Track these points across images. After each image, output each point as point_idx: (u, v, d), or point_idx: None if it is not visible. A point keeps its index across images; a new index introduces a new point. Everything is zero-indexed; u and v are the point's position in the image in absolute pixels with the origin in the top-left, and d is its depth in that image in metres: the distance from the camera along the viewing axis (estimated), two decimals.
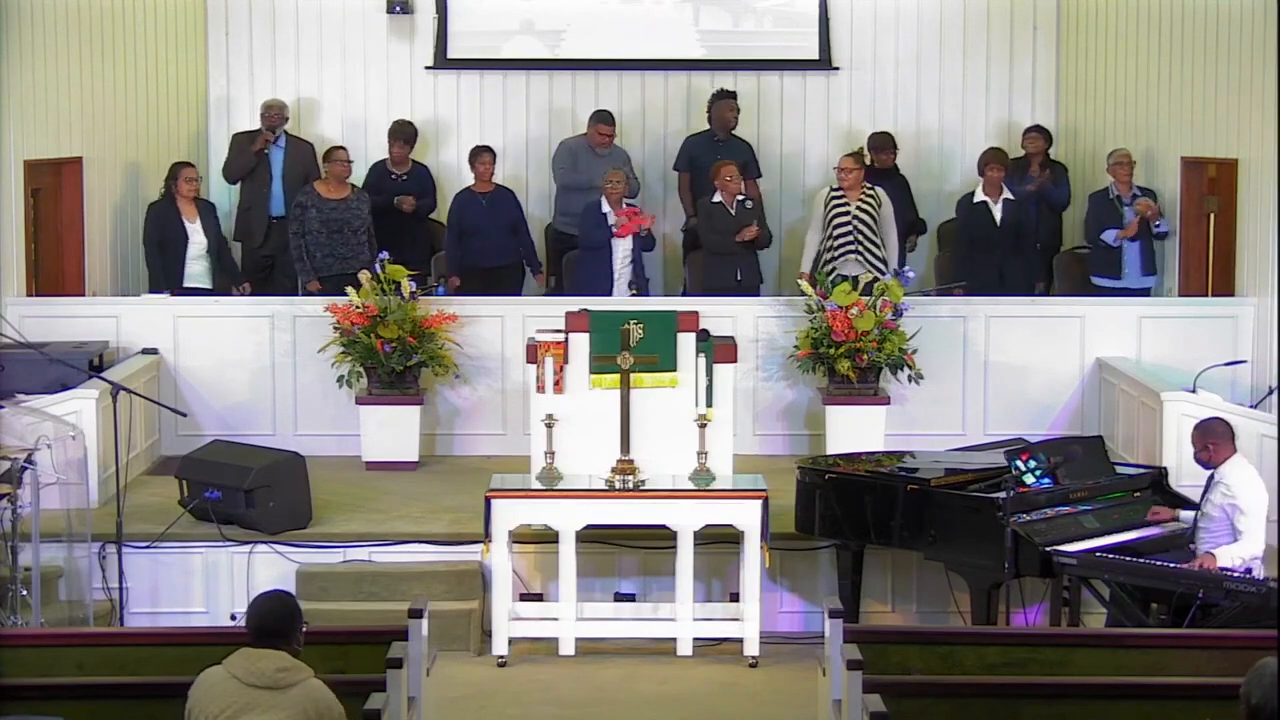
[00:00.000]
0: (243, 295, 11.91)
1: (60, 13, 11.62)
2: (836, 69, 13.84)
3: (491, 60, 13.83)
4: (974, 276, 11.88)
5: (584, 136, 12.94)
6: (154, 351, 11.15)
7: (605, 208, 11.78)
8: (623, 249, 11.75)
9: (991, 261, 11.97)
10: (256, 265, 12.61)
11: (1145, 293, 11.87)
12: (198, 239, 11.76)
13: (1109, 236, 11.85)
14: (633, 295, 11.71)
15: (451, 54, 13.80)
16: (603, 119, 12.89)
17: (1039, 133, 13.02)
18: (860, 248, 11.65)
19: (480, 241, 12.23)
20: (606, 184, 11.84)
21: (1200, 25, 11.56)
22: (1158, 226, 11.83)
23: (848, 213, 11.69)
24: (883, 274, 11.28)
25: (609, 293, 11.55)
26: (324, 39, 13.82)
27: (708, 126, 13.08)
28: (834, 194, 11.79)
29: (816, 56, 13.80)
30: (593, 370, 9.33)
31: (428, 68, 13.82)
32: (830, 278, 11.31)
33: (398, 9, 13.66)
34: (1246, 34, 10.81)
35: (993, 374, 11.25)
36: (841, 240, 11.67)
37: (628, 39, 13.76)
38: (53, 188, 11.68)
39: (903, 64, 13.86)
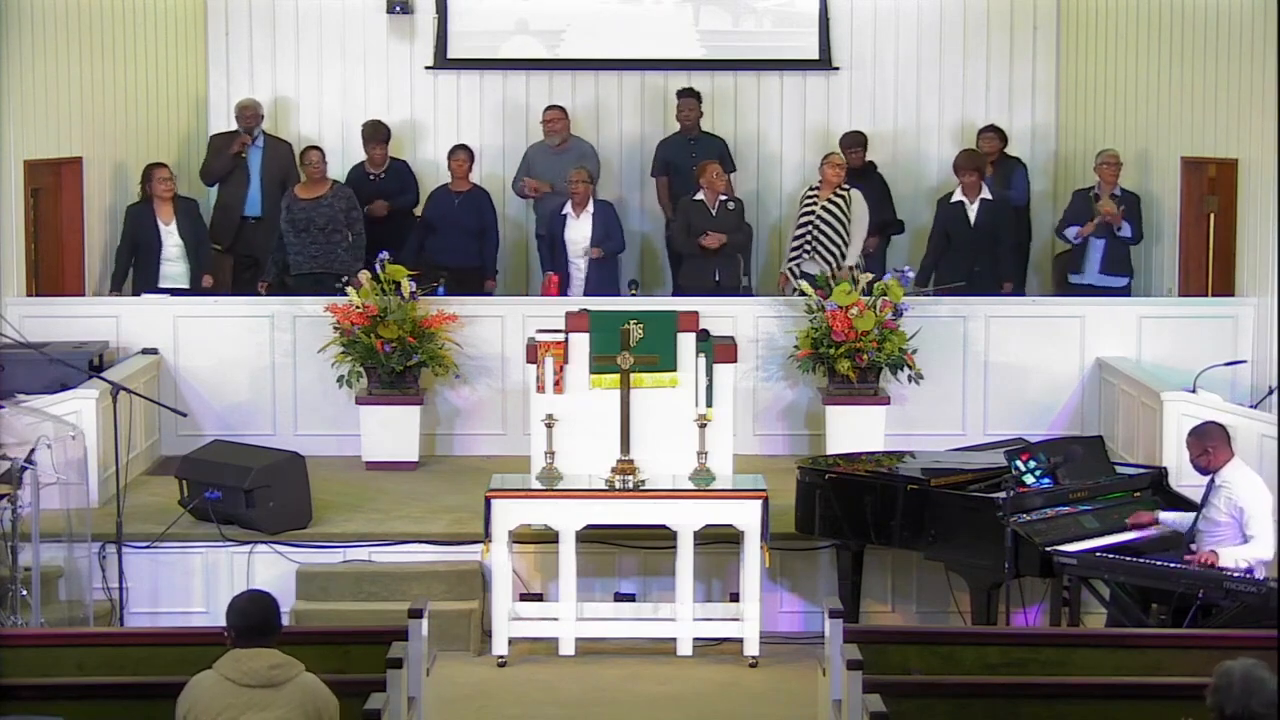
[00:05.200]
0: (208, 288, 11.87)
1: (60, 13, 11.63)
2: (836, 69, 13.84)
3: (491, 60, 13.83)
4: (941, 276, 11.88)
5: (542, 139, 12.96)
6: (154, 351, 11.15)
7: (566, 209, 11.83)
8: (578, 250, 11.76)
9: (962, 261, 11.98)
10: (237, 266, 12.60)
11: (1111, 291, 11.84)
12: (172, 240, 11.74)
13: (1070, 233, 11.90)
14: (633, 295, 11.72)
15: (451, 54, 13.80)
16: (552, 107, 12.95)
17: (994, 132, 13.09)
18: (818, 245, 11.68)
19: (442, 240, 12.21)
20: (570, 184, 11.84)
21: (1200, 25, 11.56)
22: (1119, 230, 11.84)
23: (812, 211, 11.78)
24: (836, 270, 11.35)
25: (567, 292, 11.63)
26: (324, 39, 13.83)
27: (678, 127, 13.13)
28: (809, 194, 11.89)
29: (816, 56, 13.80)
30: (593, 370, 9.33)
31: (428, 68, 13.82)
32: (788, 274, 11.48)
33: (398, 9, 13.66)
34: (1246, 34, 10.81)
35: (993, 374, 11.25)
36: (801, 239, 11.75)
37: (628, 39, 13.76)
38: (53, 188, 11.68)
39: (903, 64, 13.86)
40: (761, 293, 12.38)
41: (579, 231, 11.86)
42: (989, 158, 12.84)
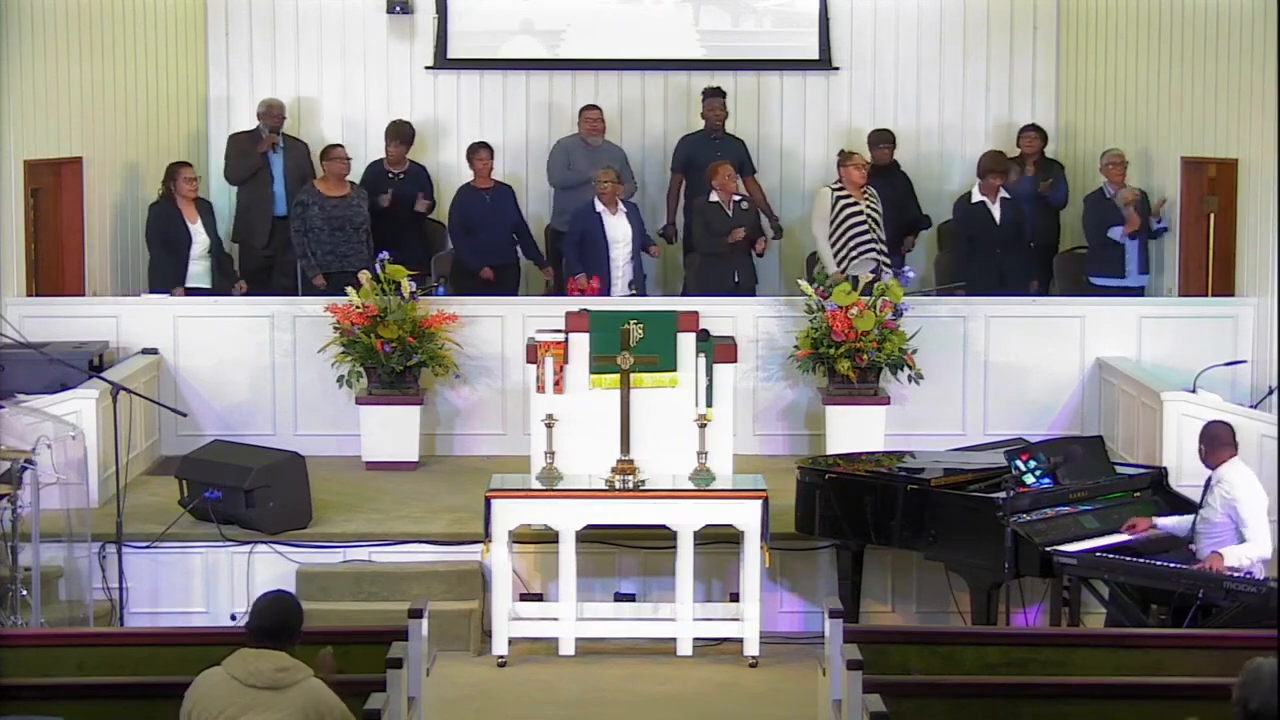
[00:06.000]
0: (240, 294, 11.92)
1: (60, 13, 11.63)
2: (836, 69, 13.84)
3: (491, 60, 13.83)
4: (974, 276, 11.87)
5: (576, 135, 12.94)
6: (154, 351, 11.15)
7: (599, 207, 11.77)
8: (622, 247, 11.74)
9: (991, 261, 11.97)
10: (257, 265, 12.61)
11: (1142, 291, 11.88)
12: (200, 239, 11.77)
13: (1116, 234, 11.84)
14: (632, 294, 11.71)
15: (451, 54, 13.80)
16: (591, 107, 12.94)
17: (1035, 132, 13.06)
18: (878, 246, 11.64)
19: (482, 240, 12.23)
20: (597, 183, 11.82)
21: (1200, 25, 11.56)
22: (1158, 222, 11.86)
23: (861, 212, 11.63)
24: (890, 272, 11.31)
25: (608, 292, 11.54)
26: (324, 39, 13.83)
27: (702, 125, 13.09)
28: (841, 195, 11.73)
29: (816, 56, 13.80)
30: (593, 370, 9.33)
31: (428, 68, 13.82)
32: (827, 279, 11.34)
33: (398, 9, 13.66)
34: (1246, 34, 10.82)
35: (993, 374, 11.24)
36: (861, 240, 11.60)
37: (628, 39, 13.76)
38: (53, 188, 11.68)
39: (903, 64, 13.86)
40: (769, 291, 12.34)
41: (620, 230, 11.74)
42: (1031, 158, 12.84)
